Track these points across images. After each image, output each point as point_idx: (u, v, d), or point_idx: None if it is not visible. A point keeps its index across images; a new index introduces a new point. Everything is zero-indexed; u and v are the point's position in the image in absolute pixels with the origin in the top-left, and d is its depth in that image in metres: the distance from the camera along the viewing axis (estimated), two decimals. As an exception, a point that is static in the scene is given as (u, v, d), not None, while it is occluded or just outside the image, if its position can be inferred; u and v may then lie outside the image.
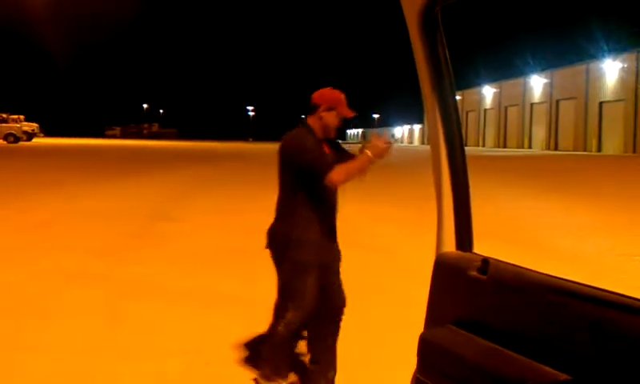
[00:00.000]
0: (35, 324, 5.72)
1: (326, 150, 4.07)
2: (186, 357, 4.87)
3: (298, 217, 3.99)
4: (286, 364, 4.15)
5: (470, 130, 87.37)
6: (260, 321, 4.69)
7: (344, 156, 4.09)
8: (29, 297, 6.60)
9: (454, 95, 2.26)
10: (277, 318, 4.11)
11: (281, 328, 4.04)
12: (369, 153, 3.70)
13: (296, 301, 4.02)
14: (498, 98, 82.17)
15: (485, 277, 2.03)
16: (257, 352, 4.48)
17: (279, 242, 4.06)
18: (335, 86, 4.10)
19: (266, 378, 4.10)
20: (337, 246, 4.22)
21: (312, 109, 4.04)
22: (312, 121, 4.04)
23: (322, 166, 3.81)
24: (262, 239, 4.12)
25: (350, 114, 4.05)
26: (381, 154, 3.74)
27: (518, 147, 73.05)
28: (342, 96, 4.06)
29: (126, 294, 6.71)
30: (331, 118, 4.01)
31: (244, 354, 4.92)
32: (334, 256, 4.20)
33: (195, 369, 4.67)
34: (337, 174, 3.77)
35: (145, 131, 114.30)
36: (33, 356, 4.92)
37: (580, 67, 62.27)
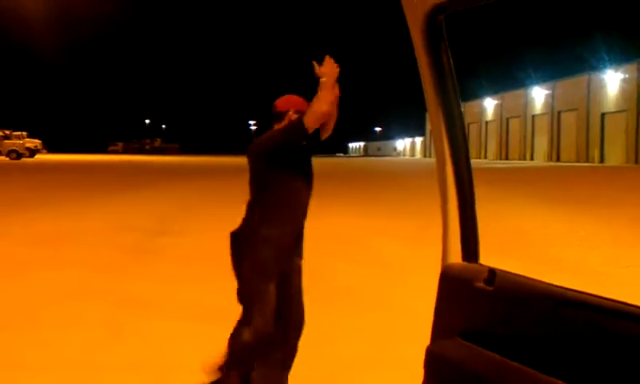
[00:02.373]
0: (35, 339, 5.69)
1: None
2: (184, 371, 4.82)
3: (266, 213, 3.80)
4: (239, 376, 3.85)
5: (472, 142, 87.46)
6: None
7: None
8: (29, 312, 6.57)
9: (459, 104, 2.24)
10: (240, 326, 3.82)
11: (246, 336, 3.76)
12: (323, 78, 3.52)
13: (260, 304, 3.77)
14: (500, 109, 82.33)
15: (491, 288, 2.00)
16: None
17: (242, 237, 3.84)
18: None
19: None
20: (300, 259, 4.00)
21: (278, 117, 3.88)
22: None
23: (291, 125, 3.66)
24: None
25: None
26: (332, 73, 3.54)
27: (519, 159, 73.09)
28: (304, 100, 3.89)
29: (126, 309, 6.68)
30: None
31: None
32: (295, 267, 3.98)
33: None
34: (307, 117, 3.58)
35: (147, 146, 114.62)
36: (32, 372, 4.88)
37: (581, 78, 62.39)
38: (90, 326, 6.10)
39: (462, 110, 2.29)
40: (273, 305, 3.78)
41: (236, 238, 3.88)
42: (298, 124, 3.59)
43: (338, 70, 3.59)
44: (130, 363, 5.12)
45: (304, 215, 3.95)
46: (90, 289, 7.68)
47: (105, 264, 9.30)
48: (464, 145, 2.23)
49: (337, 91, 3.72)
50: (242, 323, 3.83)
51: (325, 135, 3.98)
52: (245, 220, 3.89)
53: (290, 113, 3.81)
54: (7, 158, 56.14)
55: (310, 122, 3.56)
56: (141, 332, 5.94)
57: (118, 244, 11.07)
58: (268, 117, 3.92)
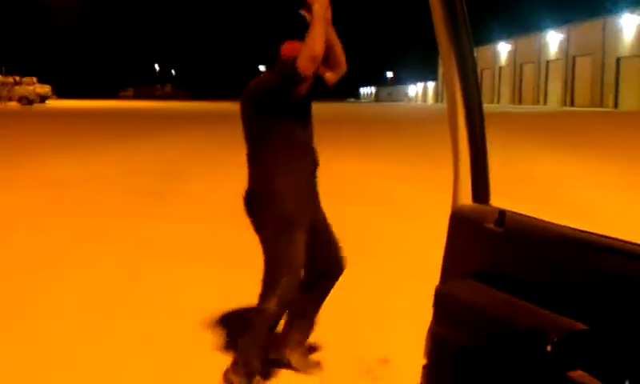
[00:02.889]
0: (49, 282, 5.79)
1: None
2: (198, 315, 4.90)
3: (271, 166, 3.52)
4: (258, 358, 3.61)
5: (485, 88, 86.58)
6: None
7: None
8: (42, 257, 6.67)
9: (472, 48, 2.22)
10: (264, 295, 3.56)
11: (271, 305, 3.53)
12: (314, 6, 3.20)
13: (287, 265, 3.52)
14: (513, 55, 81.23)
15: (501, 229, 2.02)
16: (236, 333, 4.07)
17: (256, 199, 3.57)
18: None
19: (236, 372, 3.59)
20: (318, 197, 3.76)
21: (282, 65, 3.51)
22: None
23: (285, 72, 3.33)
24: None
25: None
26: (323, 2, 3.23)
27: (533, 104, 72.37)
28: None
29: (139, 252, 6.77)
30: None
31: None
32: (320, 216, 3.76)
33: (208, 328, 4.71)
34: (301, 61, 3.20)
35: (157, 92, 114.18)
36: (47, 315, 4.98)
37: (597, 22, 61.25)
38: (104, 269, 6.19)
39: (475, 55, 2.27)
40: (301, 259, 3.56)
41: (250, 198, 3.62)
42: (292, 70, 3.25)
43: None
44: (145, 304, 5.22)
45: (314, 162, 3.67)
46: (101, 232, 7.78)
47: (116, 207, 9.39)
48: (476, 88, 2.22)
49: (328, 15, 3.37)
50: (264, 293, 3.57)
51: (338, 74, 3.65)
52: (251, 176, 3.63)
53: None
54: (18, 104, 56.14)
55: (305, 65, 3.21)
56: (155, 274, 6.03)
57: (130, 187, 11.15)
58: (275, 62, 3.57)
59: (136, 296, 5.43)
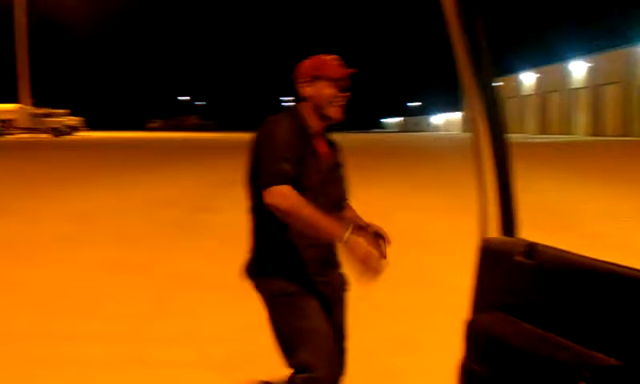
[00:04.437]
0: (81, 312, 5.83)
1: (321, 148, 2.90)
2: (229, 344, 4.92)
3: (274, 234, 2.83)
4: None
5: (510, 117, 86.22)
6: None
7: (337, 172, 2.99)
8: (73, 286, 6.74)
9: (494, 78, 2.23)
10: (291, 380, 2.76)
11: None
12: (345, 238, 2.49)
13: (307, 340, 2.76)
14: (539, 83, 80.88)
15: (531, 261, 2.01)
16: None
17: (254, 273, 2.95)
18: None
19: None
20: (339, 270, 2.99)
21: (297, 94, 2.96)
22: (301, 105, 2.92)
23: (272, 170, 2.62)
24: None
25: (343, 71, 2.85)
26: (359, 257, 2.45)
27: (559, 134, 71.83)
28: (325, 57, 2.90)
29: (169, 284, 6.81)
30: (320, 90, 2.84)
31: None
32: (335, 285, 2.99)
33: (238, 355, 4.72)
34: (284, 198, 2.56)
35: (185, 123, 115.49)
36: (79, 345, 5.02)
37: (622, 51, 60.89)
38: (135, 300, 6.23)
39: (501, 84, 2.28)
40: (325, 332, 2.81)
41: (248, 269, 3.00)
42: (266, 181, 2.63)
43: (365, 263, 2.47)
44: (176, 336, 5.24)
45: (337, 208, 2.96)
46: (129, 263, 7.84)
47: (145, 239, 9.46)
48: (500, 118, 2.23)
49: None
50: (292, 379, 2.77)
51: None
52: (251, 245, 3.00)
53: (301, 86, 2.89)
54: (50, 135, 57.55)
55: (276, 203, 2.58)
56: (185, 306, 6.05)
57: (159, 219, 11.23)
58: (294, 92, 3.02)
59: (167, 326, 5.46)
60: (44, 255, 8.33)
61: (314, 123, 2.89)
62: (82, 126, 63.54)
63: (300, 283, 2.83)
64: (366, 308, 5.86)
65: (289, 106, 2.97)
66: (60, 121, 60.33)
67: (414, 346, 5.03)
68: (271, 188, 2.60)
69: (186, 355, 4.77)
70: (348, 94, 2.91)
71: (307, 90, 2.88)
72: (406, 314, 5.80)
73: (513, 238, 2.21)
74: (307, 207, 2.56)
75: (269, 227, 2.83)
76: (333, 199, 2.92)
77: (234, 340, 5.01)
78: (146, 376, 4.42)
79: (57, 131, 58.64)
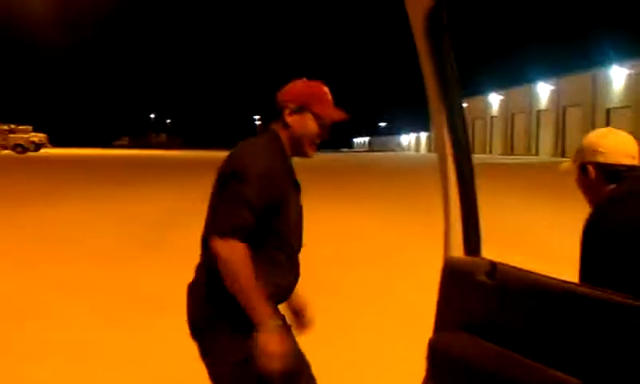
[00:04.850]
0: (35, 330, 5.80)
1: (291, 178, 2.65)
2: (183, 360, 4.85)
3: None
4: None
5: (477, 138, 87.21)
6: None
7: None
8: (31, 304, 6.72)
9: (461, 100, 2.25)
10: None
11: None
12: (265, 328, 2.34)
13: None
14: (505, 105, 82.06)
15: (493, 281, 2.02)
16: None
17: (210, 321, 2.55)
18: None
19: None
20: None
21: (277, 113, 2.66)
22: (278, 129, 2.64)
23: (234, 218, 2.39)
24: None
25: (338, 115, 2.66)
26: (264, 352, 2.32)
27: (525, 154, 72.89)
28: (322, 89, 2.66)
29: (126, 303, 6.72)
30: (305, 124, 2.61)
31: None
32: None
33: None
34: (234, 255, 2.37)
35: (152, 141, 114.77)
36: (32, 362, 4.96)
37: (587, 74, 62.14)
38: (89, 318, 6.16)
39: (468, 105, 2.30)
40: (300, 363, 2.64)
41: (197, 327, 2.61)
42: (222, 227, 2.41)
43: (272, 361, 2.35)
44: (125, 356, 5.17)
45: (299, 249, 2.73)
46: (90, 281, 7.74)
47: (107, 255, 9.34)
48: (465, 139, 2.25)
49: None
50: None
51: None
52: (198, 286, 2.61)
53: (287, 111, 2.61)
54: (13, 152, 56.28)
55: (223, 253, 2.38)
56: (138, 326, 5.99)
57: (124, 236, 11.11)
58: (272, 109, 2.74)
59: (116, 345, 5.40)
60: (6, 273, 8.18)
61: (288, 150, 2.63)
62: (46, 143, 62.36)
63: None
64: (326, 325, 5.86)
65: (266, 128, 2.68)
66: (24, 137, 59.13)
67: (377, 363, 5.03)
68: (226, 238, 2.37)
69: (137, 371, 4.71)
70: (327, 136, 2.68)
71: (291, 118, 2.61)
72: (369, 333, 5.80)
73: (476, 258, 2.22)
74: (250, 275, 2.36)
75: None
76: (300, 239, 2.70)
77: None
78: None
79: (21, 147, 57.48)
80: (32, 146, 58.85)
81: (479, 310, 2.06)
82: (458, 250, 2.26)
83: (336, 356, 5.04)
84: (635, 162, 2.47)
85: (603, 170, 2.47)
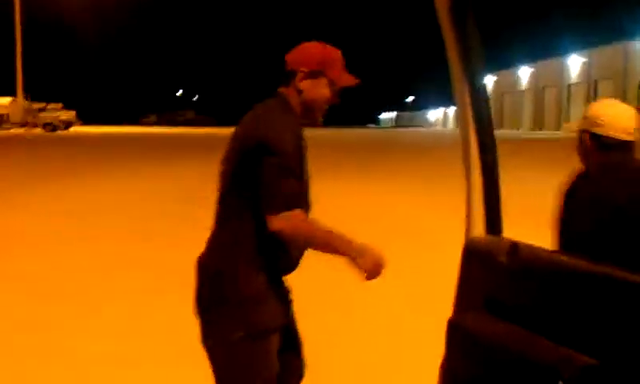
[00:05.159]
0: (79, 309, 5.88)
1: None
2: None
3: (249, 249, 2.50)
4: None
5: (506, 113, 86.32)
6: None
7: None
8: (69, 283, 6.77)
9: (483, 75, 2.22)
10: None
11: None
12: (359, 261, 2.40)
13: (260, 380, 2.56)
14: (535, 78, 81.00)
15: (514, 261, 2.00)
16: None
17: (215, 297, 2.55)
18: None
19: None
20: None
21: (287, 77, 2.57)
22: (290, 93, 2.56)
23: (284, 190, 2.38)
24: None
25: (351, 80, 2.61)
26: (370, 270, 2.42)
27: (555, 129, 72.04)
28: (337, 53, 2.60)
29: (164, 279, 6.79)
30: (319, 90, 2.54)
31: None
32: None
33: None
34: (299, 225, 2.39)
35: (180, 118, 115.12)
36: (77, 340, 5.04)
37: (619, 46, 61.04)
38: (133, 295, 6.25)
39: (497, 79, 2.27)
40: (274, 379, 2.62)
41: (203, 290, 2.62)
42: (276, 206, 2.39)
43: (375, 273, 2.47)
44: (173, 331, 5.23)
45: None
46: (122, 256, 7.84)
47: (137, 231, 9.45)
48: (488, 117, 2.22)
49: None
50: None
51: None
52: (213, 256, 2.63)
53: (300, 75, 2.52)
54: (43, 130, 56.89)
55: (286, 230, 2.39)
56: (173, 298, 6.04)
57: (151, 212, 11.23)
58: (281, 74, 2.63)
59: (163, 321, 5.46)
60: (43, 250, 8.33)
61: (299, 115, 2.58)
62: (76, 120, 62.82)
63: (280, 310, 2.59)
64: (344, 298, 5.87)
65: (274, 93, 2.60)
66: (54, 116, 59.56)
67: (397, 343, 5.04)
68: (282, 213, 2.36)
69: (180, 349, 4.76)
70: (338, 101, 2.63)
71: (304, 83, 2.53)
72: (389, 310, 5.81)
73: (497, 238, 2.20)
74: (318, 231, 2.43)
75: (255, 241, 2.49)
76: (309, 204, 2.64)
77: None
78: (144, 373, 4.43)
79: (51, 126, 57.95)
80: (62, 125, 59.28)
81: (500, 290, 2.05)
82: (479, 230, 2.24)
83: (362, 329, 5.07)
84: (630, 138, 2.57)
85: (597, 140, 2.59)
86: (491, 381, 1.86)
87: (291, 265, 2.61)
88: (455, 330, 2.06)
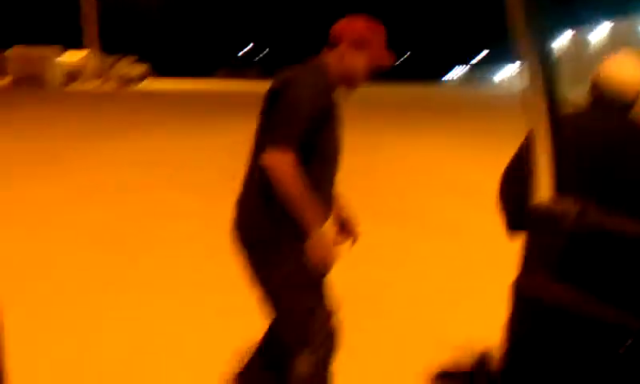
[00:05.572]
0: (131, 258, 6.12)
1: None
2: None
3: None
4: None
5: (578, 73, 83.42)
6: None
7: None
8: (126, 231, 7.08)
9: (551, 31, 2.13)
10: (293, 360, 2.73)
11: (305, 368, 2.69)
12: (309, 244, 2.56)
13: (315, 321, 2.70)
14: (613, 36, 77.82)
15: (582, 225, 1.94)
16: None
17: (254, 239, 2.73)
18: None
19: None
20: None
21: (331, 46, 2.74)
22: (331, 58, 2.72)
23: (284, 130, 2.53)
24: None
25: (387, 60, 2.74)
26: (314, 260, 2.58)
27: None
28: (382, 30, 2.74)
29: (220, 229, 6.95)
30: (358, 62, 2.69)
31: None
32: None
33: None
34: (283, 164, 2.49)
35: (248, 73, 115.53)
36: (131, 291, 5.19)
37: None
38: (186, 245, 6.38)
39: (574, 33, 2.18)
40: (328, 306, 2.77)
41: (251, 240, 2.77)
42: (277, 137, 2.54)
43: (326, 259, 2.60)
44: (223, 283, 5.33)
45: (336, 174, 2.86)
46: (184, 209, 8.01)
47: (203, 186, 9.64)
48: (555, 75, 2.13)
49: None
50: (294, 356, 2.74)
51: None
52: (246, 205, 2.80)
53: (343, 47, 2.69)
54: (117, 84, 57.49)
55: (277, 168, 2.51)
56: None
57: (216, 167, 11.40)
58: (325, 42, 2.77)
59: (216, 273, 5.55)
60: (109, 200, 8.58)
61: (337, 80, 2.74)
62: (149, 73, 63.30)
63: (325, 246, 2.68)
64: (399, 255, 5.83)
65: (314, 59, 2.75)
66: (128, 69, 59.79)
67: (465, 303, 5.00)
68: (275, 149, 2.51)
69: (237, 299, 4.86)
70: (368, 79, 2.78)
71: (348, 53, 2.69)
72: (449, 269, 5.79)
73: (564, 201, 2.13)
74: (301, 184, 2.52)
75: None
76: (337, 172, 2.84)
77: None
78: (204, 323, 4.60)
79: (125, 80, 58.35)
80: (136, 78, 59.63)
81: (566, 254, 2.00)
82: (545, 192, 2.18)
83: (414, 283, 5.06)
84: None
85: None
86: (557, 342, 1.85)
87: (325, 203, 2.75)
88: (519, 293, 2.03)
